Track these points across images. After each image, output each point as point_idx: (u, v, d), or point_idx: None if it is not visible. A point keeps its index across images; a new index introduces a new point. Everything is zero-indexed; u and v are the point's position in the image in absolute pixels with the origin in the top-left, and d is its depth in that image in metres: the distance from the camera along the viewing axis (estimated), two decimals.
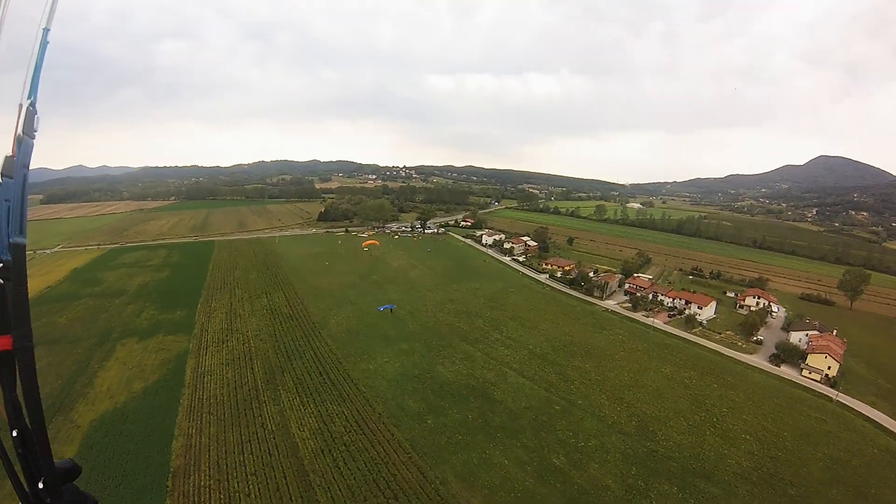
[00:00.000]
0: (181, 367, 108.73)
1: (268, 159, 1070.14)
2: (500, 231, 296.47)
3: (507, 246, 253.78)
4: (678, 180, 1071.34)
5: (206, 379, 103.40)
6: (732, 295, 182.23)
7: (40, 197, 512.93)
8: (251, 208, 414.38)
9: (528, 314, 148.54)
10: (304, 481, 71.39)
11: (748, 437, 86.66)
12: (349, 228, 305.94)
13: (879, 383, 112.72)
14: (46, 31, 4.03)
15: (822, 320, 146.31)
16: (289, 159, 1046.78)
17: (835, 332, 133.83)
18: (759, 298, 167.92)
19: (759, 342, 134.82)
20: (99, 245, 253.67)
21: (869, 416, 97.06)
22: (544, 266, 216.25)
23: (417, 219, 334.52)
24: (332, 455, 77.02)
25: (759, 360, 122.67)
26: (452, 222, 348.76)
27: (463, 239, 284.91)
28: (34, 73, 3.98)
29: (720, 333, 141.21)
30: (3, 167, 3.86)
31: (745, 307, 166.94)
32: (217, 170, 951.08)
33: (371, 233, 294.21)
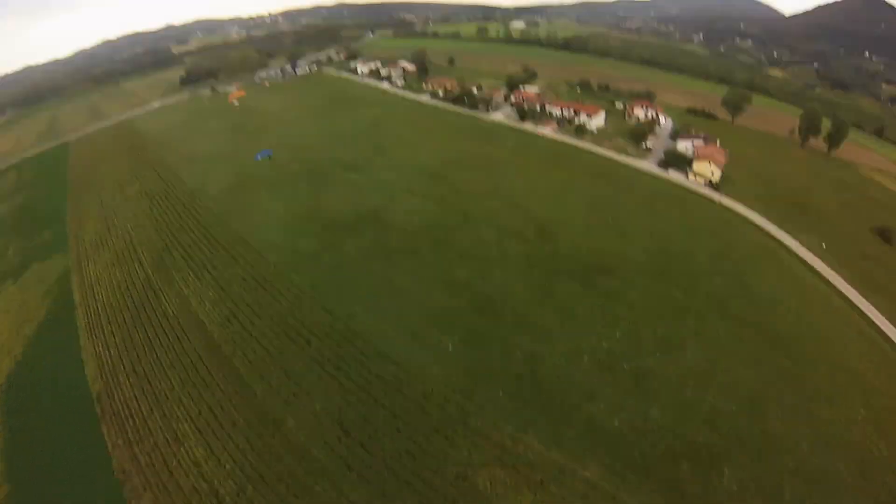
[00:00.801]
0: (66, 289, 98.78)
1: (113, 37, 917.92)
2: (375, 59, 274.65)
3: (383, 73, 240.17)
4: (565, 2, 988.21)
5: (95, 290, 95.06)
6: (621, 107, 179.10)
7: None
8: (104, 93, 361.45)
9: (412, 135, 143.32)
10: (218, 355, 69.31)
11: (641, 234, 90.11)
12: (215, 87, 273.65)
13: (756, 188, 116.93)
14: None
15: (705, 132, 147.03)
16: (139, 31, 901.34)
17: (718, 142, 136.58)
18: (647, 110, 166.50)
19: (649, 150, 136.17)
20: None
21: (746, 216, 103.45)
22: (425, 87, 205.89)
23: (287, 61, 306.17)
24: (238, 319, 74.37)
25: (649, 166, 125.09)
26: (325, 59, 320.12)
27: (337, 73, 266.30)
28: None
29: (610, 140, 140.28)
30: None
31: (633, 117, 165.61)
32: (55, 64, 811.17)
33: (239, 85, 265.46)
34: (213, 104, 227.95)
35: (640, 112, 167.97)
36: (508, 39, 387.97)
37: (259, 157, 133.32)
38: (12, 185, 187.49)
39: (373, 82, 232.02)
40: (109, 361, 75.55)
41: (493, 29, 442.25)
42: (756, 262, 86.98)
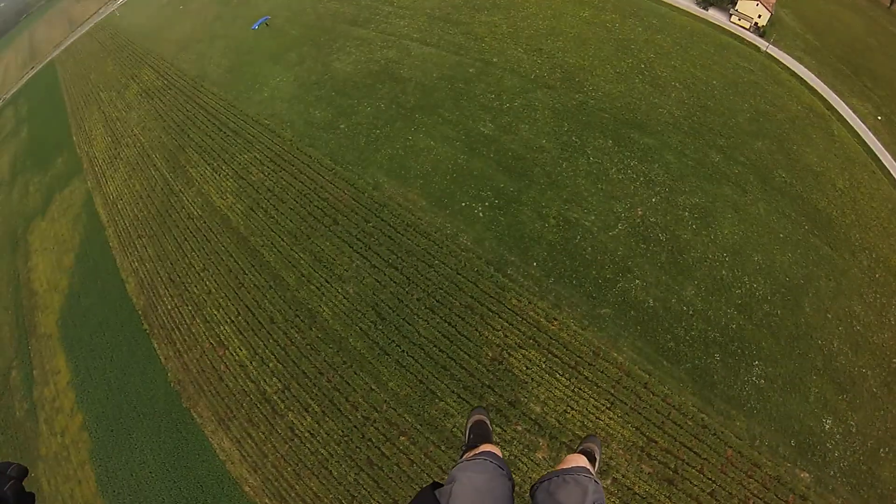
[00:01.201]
0: (93, 211, 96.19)
1: None
2: None
3: None
4: None
5: (119, 206, 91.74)
6: None
7: None
8: None
9: None
10: (247, 249, 66.73)
11: (678, 84, 78.76)
12: None
13: (807, 38, 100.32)
14: None
15: None
16: None
17: None
18: None
19: None
20: None
21: (795, 70, 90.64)
22: None
23: None
24: (263, 208, 70.45)
25: (685, 2, 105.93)
26: None
27: None
28: None
29: None
30: None
31: None
32: None
33: None
34: None
35: None
36: None
37: (256, 27, 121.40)
38: (13, 122, 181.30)
39: None
40: (147, 276, 74.60)
41: None
42: (802, 128, 76.85)
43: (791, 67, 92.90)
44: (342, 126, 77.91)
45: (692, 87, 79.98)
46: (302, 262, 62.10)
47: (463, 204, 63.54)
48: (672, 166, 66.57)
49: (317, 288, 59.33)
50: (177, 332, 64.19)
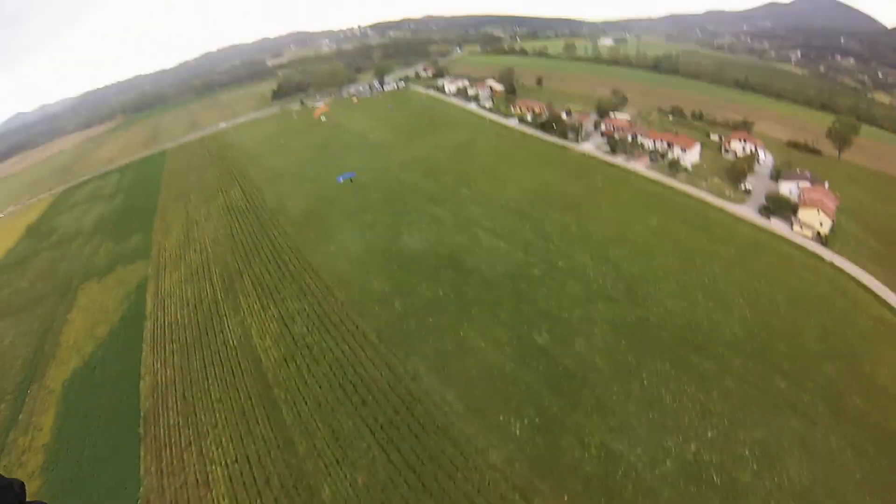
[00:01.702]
0: (142, 298, 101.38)
1: (213, 49, 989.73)
2: (463, 77, 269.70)
3: (471, 92, 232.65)
4: (652, 16, 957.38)
5: (166, 303, 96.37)
6: (716, 138, 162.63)
7: None
8: (201, 104, 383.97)
9: (499, 164, 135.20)
10: (268, 399, 65.69)
11: (741, 300, 77.14)
12: (304, 101, 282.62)
13: (871, 245, 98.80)
14: None
15: (810, 170, 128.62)
16: (236, 44, 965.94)
17: (826, 184, 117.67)
18: (745, 143, 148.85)
19: (748, 192, 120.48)
20: (50, 191, 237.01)
21: (861, 280, 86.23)
22: (512, 110, 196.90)
23: (374, 77, 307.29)
24: (296, 362, 70.59)
25: (748, 212, 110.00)
26: (413, 75, 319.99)
27: (424, 91, 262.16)
28: None
29: (706, 180, 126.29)
30: None
31: (730, 152, 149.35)
32: (161, 74, 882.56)
33: (327, 100, 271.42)
34: (301, 119, 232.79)
35: (737, 145, 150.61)
36: (597, 59, 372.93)
37: (341, 180, 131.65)
38: (114, 188, 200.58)
39: (460, 102, 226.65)
40: (163, 382, 75.34)
41: (581, 47, 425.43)
42: (875, 345, 70.97)
43: (857, 277, 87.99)
44: (396, 304, 78.90)
45: (756, 303, 76.91)
46: (318, 432, 59.80)
47: (501, 417, 59.11)
48: (732, 394, 61.36)
49: (325, 465, 56.10)
50: (167, 451, 62.44)
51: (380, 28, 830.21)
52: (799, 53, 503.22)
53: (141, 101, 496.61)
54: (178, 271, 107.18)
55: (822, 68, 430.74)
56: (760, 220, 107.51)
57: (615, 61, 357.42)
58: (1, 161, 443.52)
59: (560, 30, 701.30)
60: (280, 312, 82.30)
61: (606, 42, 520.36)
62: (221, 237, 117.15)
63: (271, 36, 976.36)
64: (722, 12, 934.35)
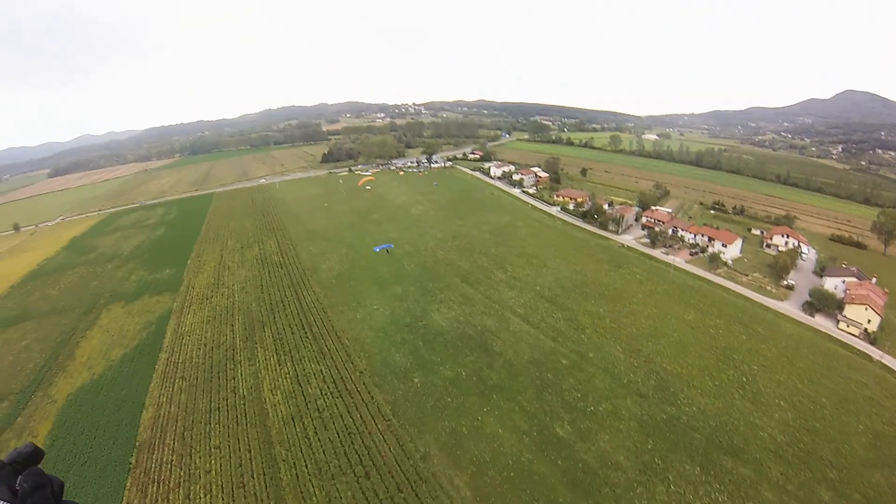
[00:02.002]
0: (162, 330, 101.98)
1: (274, 107, 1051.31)
2: (509, 163, 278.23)
3: (516, 178, 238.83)
4: (696, 112, 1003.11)
5: (184, 340, 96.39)
6: (758, 233, 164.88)
7: (47, 171, 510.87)
8: (255, 156, 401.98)
9: (537, 250, 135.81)
10: (268, 455, 63.47)
11: (782, 402, 73.09)
12: (352, 168, 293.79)
13: None
14: None
15: (855, 265, 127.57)
16: (296, 105, 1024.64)
17: (874, 279, 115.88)
18: (787, 237, 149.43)
19: (791, 287, 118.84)
20: (100, 210, 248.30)
21: None
22: (555, 198, 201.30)
23: (423, 153, 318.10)
24: (303, 423, 68.68)
25: (791, 308, 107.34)
26: (460, 155, 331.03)
27: (471, 172, 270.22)
28: None
29: (747, 275, 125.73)
30: None
31: (772, 246, 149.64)
32: (223, 122, 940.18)
33: (374, 170, 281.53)
34: (346, 185, 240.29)
35: (779, 240, 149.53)
36: (641, 152, 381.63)
37: (378, 250, 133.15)
38: (158, 220, 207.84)
39: (504, 186, 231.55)
40: (165, 417, 74.19)
41: (626, 140, 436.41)
42: None
43: None
44: (416, 380, 77.24)
45: (798, 406, 72.08)
46: (314, 498, 57.01)
47: None
48: None
49: None
50: (153, 488, 60.37)
51: (433, 107, 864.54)
52: (840, 148, 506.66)
53: (199, 145, 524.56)
54: (202, 311, 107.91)
55: (863, 162, 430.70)
56: (804, 317, 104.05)
57: (658, 155, 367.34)
58: (63, 174, 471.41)
59: (607, 123, 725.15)
60: (296, 370, 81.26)
61: (650, 136, 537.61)
62: (250, 286, 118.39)
63: (329, 102, 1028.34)
64: (763, 108, 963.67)
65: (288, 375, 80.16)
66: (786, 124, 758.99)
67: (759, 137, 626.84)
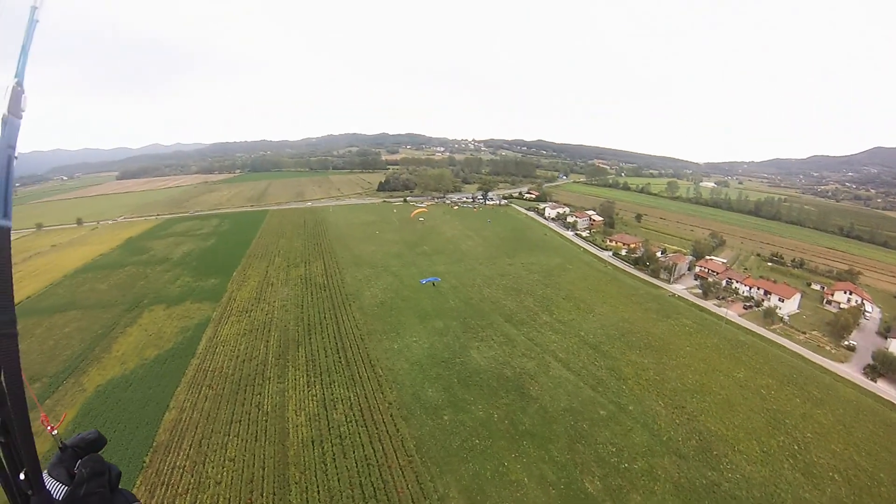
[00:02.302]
0: (198, 336, 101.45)
1: (336, 132, 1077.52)
2: (564, 205, 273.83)
3: (570, 220, 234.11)
4: (756, 160, 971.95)
5: (217, 350, 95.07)
6: (818, 288, 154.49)
7: (116, 174, 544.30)
8: (312, 179, 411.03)
9: (585, 294, 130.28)
10: (282, 476, 60.07)
11: (836, 475, 65.70)
12: (408, 198, 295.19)
13: None
14: (34, 9, 3.91)
15: None
16: (357, 132, 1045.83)
17: None
18: (850, 294, 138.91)
19: (852, 348, 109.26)
20: (157, 215, 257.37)
21: None
22: (608, 242, 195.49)
23: (479, 189, 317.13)
24: (322, 447, 65.04)
25: (851, 372, 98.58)
26: (516, 194, 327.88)
27: (525, 211, 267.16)
28: (22, 53, 3.84)
29: (804, 333, 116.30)
30: None
31: (833, 303, 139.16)
32: (284, 143, 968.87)
33: (429, 202, 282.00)
34: (400, 215, 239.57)
35: (840, 297, 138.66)
36: (697, 199, 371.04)
37: (424, 282, 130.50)
38: (211, 230, 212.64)
39: (558, 228, 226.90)
40: (186, 422, 72.35)
41: (683, 187, 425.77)
42: None
43: None
44: (446, 417, 73.02)
45: (853, 481, 64.76)
46: None
47: None
48: None
49: None
50: (162, 490, 58.34)
51: (493, 144, 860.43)
52: None
53: (260, 163, 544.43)
54: (239, 323, 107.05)
55: None
56: (865, 382, 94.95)
57: (716, 203, 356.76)
58: (130, 178, 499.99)
59: (664, 168, 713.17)
60: (324, 394, 77.97)
61: (708, 184, 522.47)
62: (291, 305, 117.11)
63: (390, 132, 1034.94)
64: (826, 157, 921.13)
65: (315, 398, 76.94)
66: (850, 174, 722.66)
67: (822, 187, 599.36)
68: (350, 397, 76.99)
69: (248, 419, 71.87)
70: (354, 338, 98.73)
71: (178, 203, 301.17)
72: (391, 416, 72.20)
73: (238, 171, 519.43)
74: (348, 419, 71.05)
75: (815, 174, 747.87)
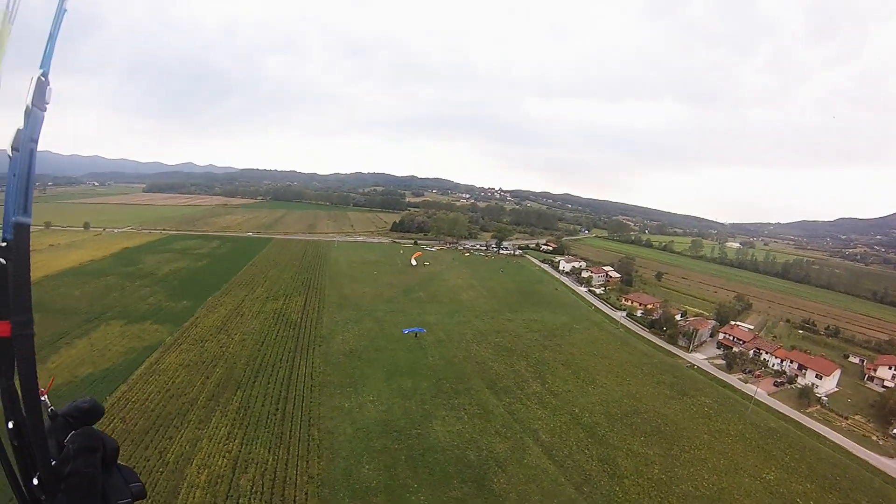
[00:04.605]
0: (140, 360, 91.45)
1: (366, 171, 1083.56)
2: (581, 258, 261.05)
3: (584, 275, 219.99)
4: (782, 221, 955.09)
5: (151, 379, 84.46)
6: (857, 361, 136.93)
7: (143, 186, 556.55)
8: (330, 213, 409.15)
9: (588, 361, 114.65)
10: None
11: None
12: (419, 241, 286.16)
13: None
14: None
15: None
16: (387, 172, 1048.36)
17: None
18: (895, 370, 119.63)
19: None
20: (163, 230, 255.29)
21: None
22: (623, 301, 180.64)
23: (493, 237, 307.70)
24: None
25: None
26: (533, 245, 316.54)
27: (538, 263, 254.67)
28: (49, 42, 3.62)
29: (847, 418, 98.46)
30: (12, 140, 3.46)
31: (876, 380, 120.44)
32: (313, 176, 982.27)
33: (440, 247, 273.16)
34: (405, 256, 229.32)
35: (885, 372, 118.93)
36: (722, 259, 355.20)
37: (406, 332, 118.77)
38: (207, 252, 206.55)
39: (570, 283, 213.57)
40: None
41: (708, 247, 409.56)
42: None
43: None
44: None
45: None
46: None
47: None
48: None
49: None
50: None
51: (519, 195, 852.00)
52: None
53: (283, 192, 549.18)
54: (188, 353, 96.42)
55: None
56: None
57: (741, 264, 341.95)
58: (156, 192, 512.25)
59: (689, 228, 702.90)
60: (239, 452, 64.82)
61: (733, 244, 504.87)
62: (251, 340, 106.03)
63: (419, 175, 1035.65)
64: (854, 220, 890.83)
65: (228, 455, 63.95)
66: (879, 237, 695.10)
67: (850, 250, 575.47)
68: (268, 461, 63.56)
69: (143, 467, 59.45)
70: (303, 388, 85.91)
71: (189, 221, 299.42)
72: (306, 495, 58.10)
73: (260, 197, 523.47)
74: (254, 490, 57.58)
75: (843, 237, 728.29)
